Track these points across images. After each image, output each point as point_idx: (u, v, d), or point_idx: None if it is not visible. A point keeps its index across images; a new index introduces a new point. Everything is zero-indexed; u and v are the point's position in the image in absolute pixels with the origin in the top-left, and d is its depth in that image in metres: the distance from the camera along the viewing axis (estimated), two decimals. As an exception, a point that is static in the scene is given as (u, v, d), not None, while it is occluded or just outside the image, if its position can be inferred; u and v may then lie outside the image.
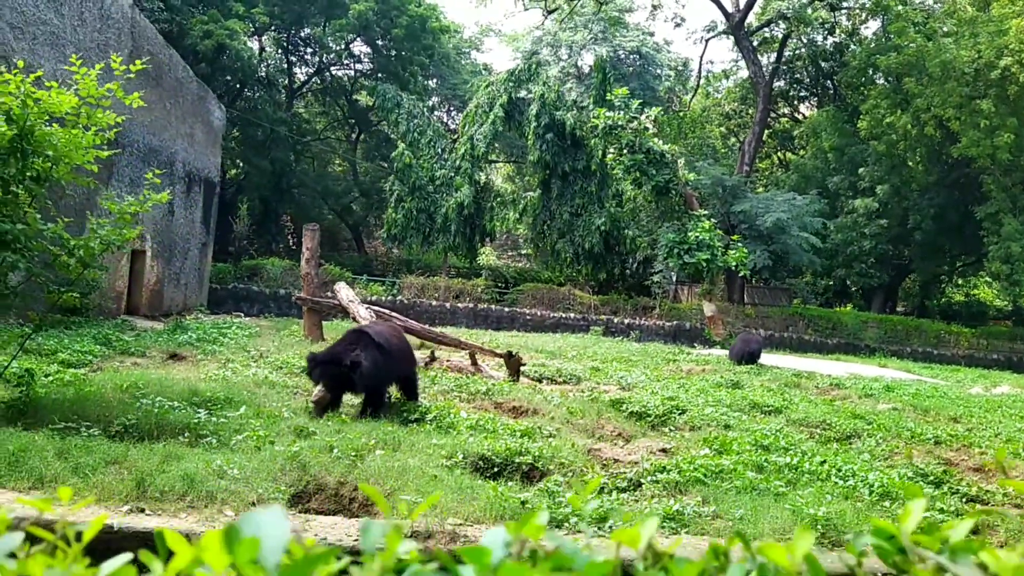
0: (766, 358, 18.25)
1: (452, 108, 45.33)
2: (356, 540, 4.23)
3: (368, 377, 7.45)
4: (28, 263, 6.54)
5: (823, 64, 39.85)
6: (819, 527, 5.08)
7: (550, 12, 38.79)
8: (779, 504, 5.54)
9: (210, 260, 25.16)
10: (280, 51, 38.80)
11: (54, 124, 6.70)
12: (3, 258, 6.44)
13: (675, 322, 28.72)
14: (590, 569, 0.85)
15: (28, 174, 6.52)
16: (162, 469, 4.92)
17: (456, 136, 33.74)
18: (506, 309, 28.75)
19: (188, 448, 5.70)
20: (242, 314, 23.72)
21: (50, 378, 7.86)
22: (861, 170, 33.59)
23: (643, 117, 25.05)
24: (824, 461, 7.10)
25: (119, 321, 15.70)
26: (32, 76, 6.69)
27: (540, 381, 12.11)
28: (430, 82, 42.28)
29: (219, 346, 12.85)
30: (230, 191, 34.68)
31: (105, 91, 6.89)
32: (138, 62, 7.30)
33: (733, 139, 44.73)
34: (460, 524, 4.51)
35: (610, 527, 4.72)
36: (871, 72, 34.64)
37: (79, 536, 1.01)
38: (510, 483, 5.73)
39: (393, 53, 36.89)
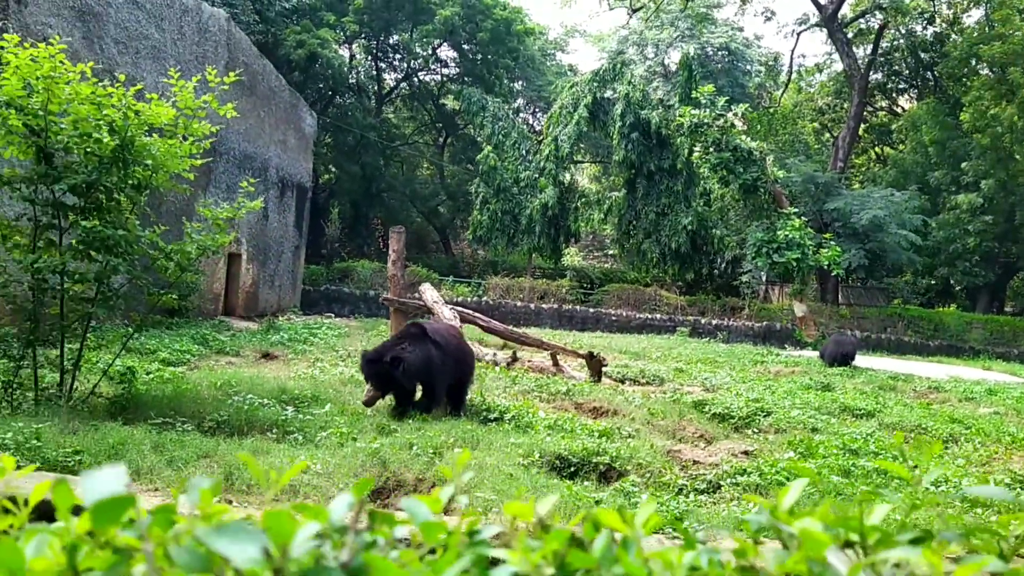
0: (861, 360, 17.66)
1: (537, 110, 45.46)
2: (431, 535, 4.33)
3: (413, 373, 7.24)
4: (129, 267, 6.91)
5: (922, 55, 38.24)
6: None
7: (635, 11, 38.49)
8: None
9: (303, 262, 25.96)
10: (369, 58, 39.71)
11: (154, 135, 7.06)
12: (107, 262, 6.83)
13: (764, 323, 28.08)
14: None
15: (129, 182, 6.89)
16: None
17: (540, 137, 33.82)
18: (591, 310, 28.66)
19: (275, 444, 5.93)
20: (333, 315, 24.39)
21: (151, 375, 8.28)
22: (964, 164, 32.07)
23: (730, 114, 24.61)
24: (916, 466, 6.85)
25: (216, 322, 16.38)
26: (133, 89, 7.07)
27: (622, 382, 12.05)
28: (515, 84, 42.54)
29: (309, 346, 13.26)
30: (322, 195, 35.70)
31: (201, 103, 7.22)
32: (232, 74, 7.62)
33: (827, 135, 43.38)
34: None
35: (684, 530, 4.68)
36: (974, 62, 33.07)
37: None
38: (586, 483, 5.74)
39: (479, 57, 37.28)
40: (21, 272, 6.89)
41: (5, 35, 6.75)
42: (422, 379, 7.47)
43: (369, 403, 7.21)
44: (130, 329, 7.86)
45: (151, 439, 5.51)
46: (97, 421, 6.07)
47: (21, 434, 5.20)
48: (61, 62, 6.56)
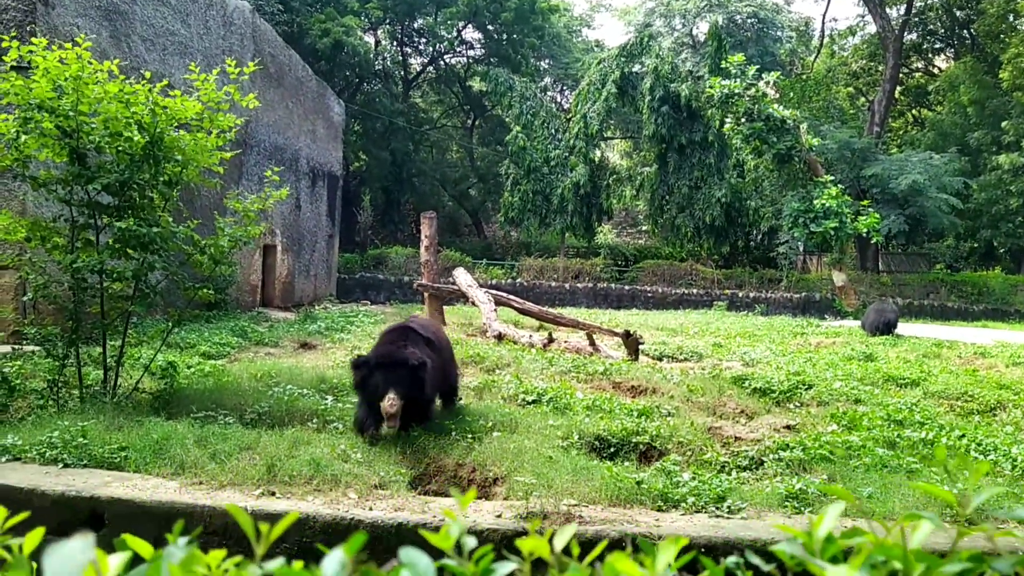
0: (903, 328, 17.36)
1: (564, 87, 45.12)
2: (473, 522, 4.32)
3: (430, 379, 5.90)
4: (165, 263, 6.98)
5: (958, 13, 37.23)
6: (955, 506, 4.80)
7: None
8: (912, 482, 5.28)
9: (337, 251, 26.13)
10: (395, 43, 39.66)
11: (181, 130, 7.10)
12: (143, 259, 6.91)
13: (803, 294, 27.73)
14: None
15: (161, 179, 6.95)
16: (291, 454, 5.17)
17: (569, 115, 33.57)
18: (626, 287, 28.51)
19: (316, 434, 5.96)
20: (368, 302, 24.57)
21: (192, 369, 8.38)
22: (1004, 123, 31.23)
23: (761, 83, 24.20)
24: (963, 435, 6.71)
25: (255, 313, 16.56)
26: (159, 85, 7.11)
27: (660, 359, 11.96)
28: (542, 63, 42.23)
29: (346, 334, 13.34)
30: (353, 183, 35.84)
31: (223, 94, 7.24)
32: (251, 64, 7.64)
33: (862, 99, 42.50)
34: (575, 505, 4.53)
35: (728, 507, 4.63)
36: (1012, 18, 32.13)
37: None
38: (626, 463, 5.70)
39: (504, 37, 37.04)
40: (61, 272, 7.00)
41: (33, 39, 6.82)
42: (432, 388, 6.11)
43: (396, 415, 5.52)
44: (169, 324, 7.95)
45: (194, 433, 5.57)
46: (141, 417, 6.16)
47: (68, 432, 5.29)
48: (89, 62, 6.61)
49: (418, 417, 5.94)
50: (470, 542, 1.00)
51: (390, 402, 5.44)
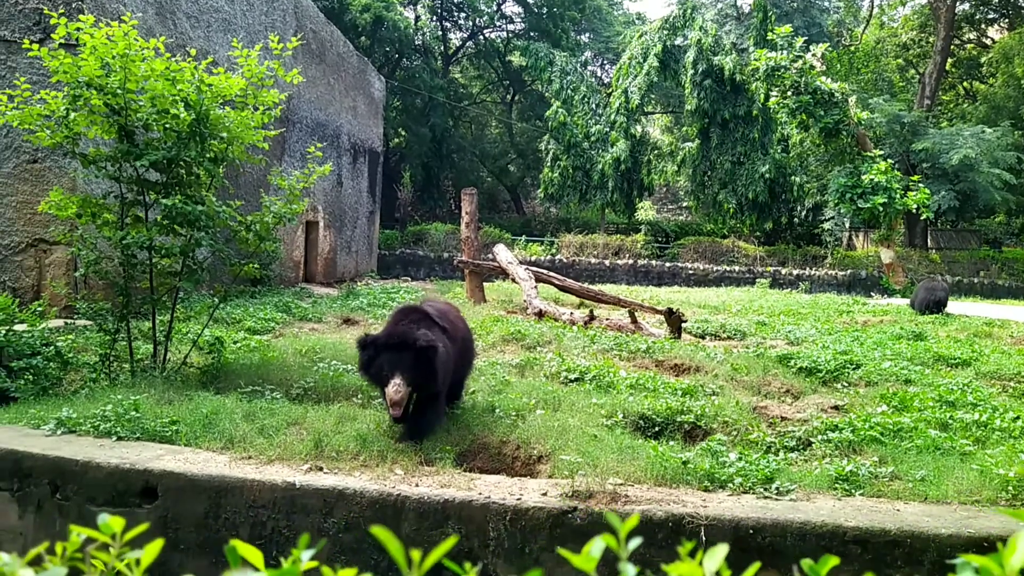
0: (953, 306, 16.96)
1: (605, 62, 44.63)
2: (518, 499, 4.32)
3: (442, 368, 5.22)
4: (211, 240, 7.05)
5: (1015, -20, 35.96)
6: (1010, 489, 4.68)
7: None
8: (965, 464, 5.15)
9: (377, 227, 26.26)
10: (434, 18, 39.51)
11: (226, 107, 7.14)
12: (190, 235, 6.99)
13: (849, 271, 27.25)
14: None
15: (207, 155, 7.01)
16: (337, 429, 5.21)
17: (610, 90, 33.22)
18: (667, 264, 28.28)
19: (361, 409, 6.00)
20: (409, 278, 24.69)
21: (238, 344, 8.49)
22: (1062, 96, 30.24)
23: (808, 55, 23.66)
24: (1018, 417, 6.53)
25: (298, 289, 16.74)
26: (204, 62, 7.15)
27: (703, 337, 11.84)
28: (582, 37, 41.77)
29: (388, 310, 13.40)
30: (393, 159, 35.95)
31: (266, 70, 7.26)
32: (294, 39, 7.64)
33: (912, 71, 41.39)
34: (621, 484, 4.50)
35: (776, 488, 4.56)
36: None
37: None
38: (671, 442, 5.65)
39: (544, 10, 36.68)
40: (111, 248, 7.12)
41: (80, 16, 6.89)
42: (444, 377, 5.36)
43: (400, 402, 4.89)
44: (215, 300, 8.06)
45: (242, 408, 5.64)
46: (190, 391, 6.26)
47: (120, 406, 5.39)
48: (135, 39, 6.67)
49: (427, 410, 5.29)
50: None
51: (395, 387, 4.85)
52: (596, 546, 0.84)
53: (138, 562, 1.00)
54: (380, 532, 1.01)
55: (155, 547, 1.03)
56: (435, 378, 5.13)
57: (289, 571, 0.94)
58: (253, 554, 1.06)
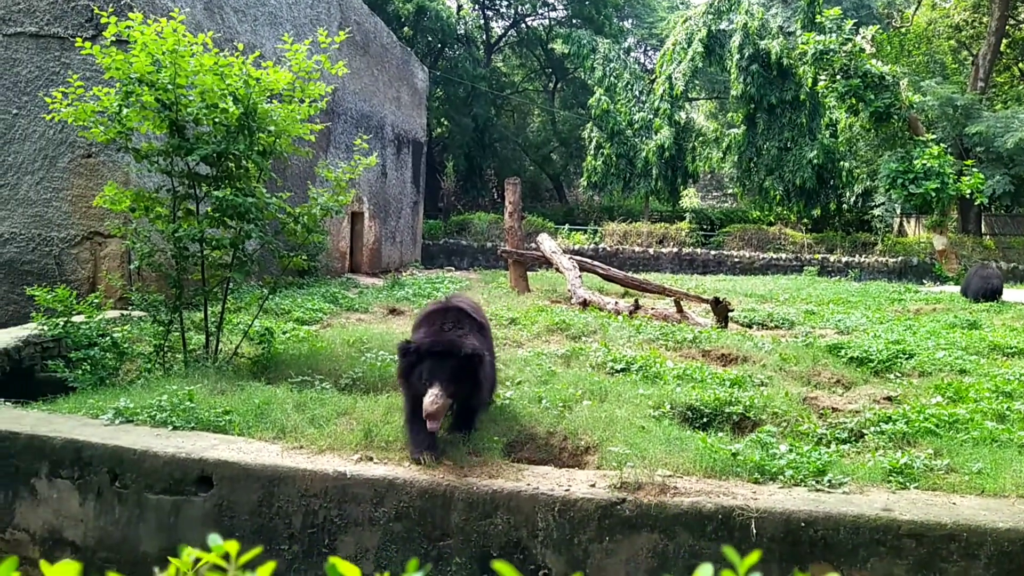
0: (1009, 294, 16.51)
1: (649, 48, 44.18)
2: (567, 490, 4.32)
3: (487, 379, 5.00)
4: (261, 232, 7.16)
5: (1075, -44, 34.67)
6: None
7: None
8: (1024, 457, 5.03)
9: (421, 217, 26.39)
10: (476, 7, 39.47)
11: (273, 100, 7.23)
12: (240, 228, 7.10)
13: (900, 258, 26.69)
14: None
15: (255, 149, 7.10)
16: (386, 420, 5.26)
17: (653, 77, 32.89)
18: (712, 252, 27.98)
19: (408, 399, 6.05)
20: (453, 268, 24.80)
21: (287, 335, 8.61)
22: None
23: (858, 37, 23.14)
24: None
25: (344, 279, 16.92)
26: (252, 56, 7.24)
27: (750, 327, 11.70)
28: (625, 23, 41.40)
29: (433, 300, 13.48)
30: (436, 150, 36.07)
31: (313, 63, 7.33)
32: (342, 33, 7.70)
33: (965, 53, 40.22)
34: (670, 476, 4.48)
35: (828, 481, 4.50)
36: None
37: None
38: (720, 434, 5.60)
39: (587, -3, 36.44)
40: (164, 241, 7.27)
41: (130, 13, 7.01)
42: (489, 384, 5.16)
43: (438, 414, 4.43)
44: (265, 291, 8.18)
45: (293, 398, 5.73)
46: (242, 381, 6.37)
47: (175, 396, 5.51)
48: (184, 35, 6.77)
49: (462, 424, 4.97)
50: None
51: (431, 398, 4.38)
52: (705, 571, 0.83)
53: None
54: (503, 567, 0.98)
55: (268, 569, 1.04)
56: (479, 389, 4.83)
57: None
58: (351, 571, 1.06)
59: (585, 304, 12.70)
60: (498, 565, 0.98)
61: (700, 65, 30.44)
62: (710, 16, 30.13)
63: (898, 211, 31.06)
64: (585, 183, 32.65)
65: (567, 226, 31.24)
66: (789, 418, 6.08)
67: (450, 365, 4.54)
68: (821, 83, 24.92)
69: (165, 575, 1.03)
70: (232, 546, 1.03)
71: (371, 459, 4.65)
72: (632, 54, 43.06)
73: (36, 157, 10.78)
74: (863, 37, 23.27)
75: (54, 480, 4.82)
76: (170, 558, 1.15)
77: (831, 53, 23.15)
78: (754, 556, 1.01)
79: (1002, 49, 35.48)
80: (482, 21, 39.87)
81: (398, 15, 30.48)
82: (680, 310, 11.63)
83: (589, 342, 9.18)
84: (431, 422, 4.43)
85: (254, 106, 6.89)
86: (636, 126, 30.72)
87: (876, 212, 31.13)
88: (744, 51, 28.73)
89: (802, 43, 24.48)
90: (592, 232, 30.69)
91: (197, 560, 1.05)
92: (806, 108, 28.80)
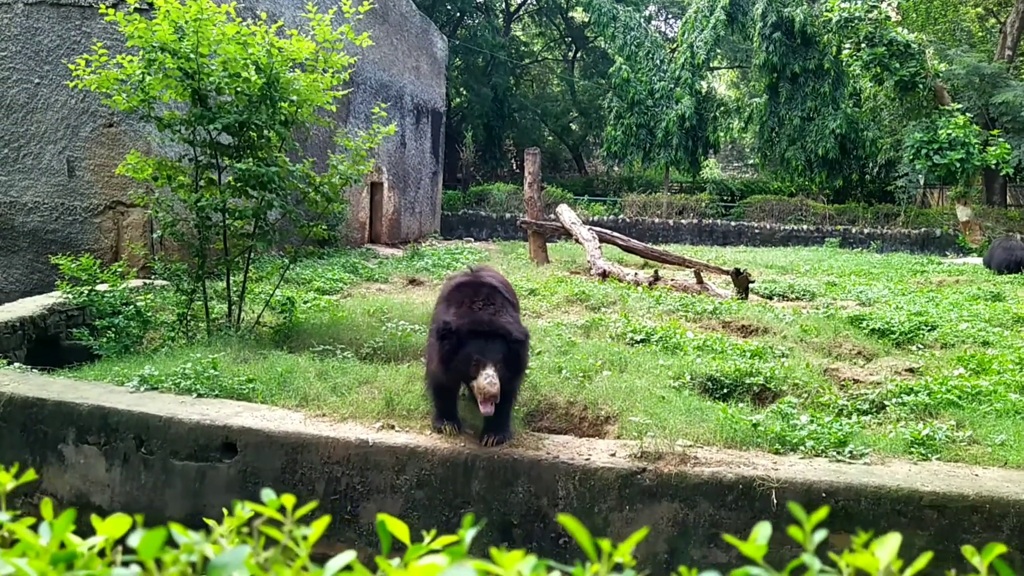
0: (1033, 266, 16.29)
1: (670, 16, 43.56)
2: (587, 460, 4.35)
3: (526, 362, 4.77)
4: (282, 202, 7.18)
5: (1112, -81, 33.69)
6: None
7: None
8: (1049, 430, 5.00)
9: (440, 188, 26.34)
10: (495, -26, 39.02)
11: (296, 70, 7.21)
12: (262, 197, 7.13)
13: (922, 229, 26.40)
14: None
15: (278, 119, 7.10)
16: (407, 389, 5.30)
17: (675, 45, 32.47)
18: (732, 223, 27.79)
19: (429, 368, 6.09)
20: (472, 239, 24.79)
21: (308, 304, 8.67)
22: None
23: (883, 5, 22.72)
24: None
25: (364, 250, 16.97)
26: (275, 26, 7.22)
27: (770, 298, 11.65)
28: (646, -9, 40.79)
29: (453, 271, 13.51)
30: (455, 120, 35.89)
31: (338, 34, 7.30)
32: (366, 3, 7.64)
33: (992, 20, 39.37)
34: (690, 446, 4.49)
35: (850, 452, 4.49)
36: None
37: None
38: (740, 405, 5.60)
39: (607, -36, 35.87)
40: (186, 210, 7.31)
41: (154, -18, 6.99)
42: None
43: (493, 403, 4.21)
44: (286, 261, 8.23)
45: (315, 367, 5.78)
46: (264, 350, 6.43)
47: (199, 364, 5.57)
48: (207, 3, 6.76)
49: (496, 424, 4.51)
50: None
51: (489, 379, 4.10)
52: (763, 532, 0.83)
53: (305, 537, 1.02)
54: (567, 521, 0.98)
55: (322, 523, 1.05)
56: (522, 373, 4.68)
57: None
58: (400, 529, 1.08)
59: (605, 275, 12.68)
60: (563, 518, 0.98)
61: (722, 33, 29.99)
62: (733, -17, 29.62)
63: (921, 182, 30.61)
64: (604, 153, 32.38)
65: (586, 197, 31.07)
66: (810, 389, 6.07)
67: (499, 347, 4.33)
68: (845, 51, 24.48)
69: (225, 525, 1.04)
70: (288, 500, 1.05)
71: (393, 427, 4.69)
72: (653, 22, 42.46)
73: (59, 126, 10.84)
74: (889, 4, 22.89)
75: (81, 446, 4.91)
76: (224, 510, 1.17)
77: (856, 21, 22.72)
78: (998, 548, 0.99)
79: (1032, 16, 34.67)
80: (501, -12, 39.45)
81: (417, -17, 30.21)
82: (700, 281, 11.59)
83: (609, 313, 9.18)
84: (487, 405, 4.19)
85: (276, 76, 6.88)
86: (657, 95, 30.38)
87: (899, 183, 30.70)
88: (767, 19, 28.26)
89: (826, 11, 24.04)
90: (611, 203, 30.52)
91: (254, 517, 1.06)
92: (829, 77, 28.35)
